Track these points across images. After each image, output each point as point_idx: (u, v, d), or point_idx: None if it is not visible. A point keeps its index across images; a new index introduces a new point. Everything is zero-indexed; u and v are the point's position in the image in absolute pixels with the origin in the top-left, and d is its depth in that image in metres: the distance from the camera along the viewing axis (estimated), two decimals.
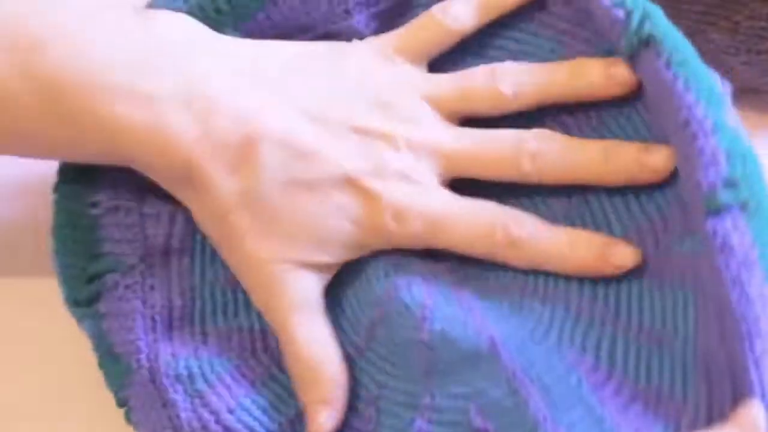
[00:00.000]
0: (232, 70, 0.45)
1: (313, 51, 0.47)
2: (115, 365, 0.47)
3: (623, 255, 0.44)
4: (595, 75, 0.45)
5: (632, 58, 0.44)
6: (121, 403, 0.47)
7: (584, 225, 0.45)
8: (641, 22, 0.43)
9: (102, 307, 0.47)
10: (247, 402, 0.46)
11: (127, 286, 0.48)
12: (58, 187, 0.49)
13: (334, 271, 0.46)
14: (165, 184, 0.46)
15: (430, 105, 0.46)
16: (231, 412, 0.45)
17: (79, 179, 0.48)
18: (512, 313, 0.44)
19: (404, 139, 0.45)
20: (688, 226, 0.42)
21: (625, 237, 0.44)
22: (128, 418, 0.47)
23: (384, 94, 0.46)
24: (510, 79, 0.46)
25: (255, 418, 0.45)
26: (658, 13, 0.44)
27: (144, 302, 0.48)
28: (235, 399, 0.46)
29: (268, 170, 0.44)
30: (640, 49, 0.43)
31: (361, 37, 0.49)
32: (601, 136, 0.46)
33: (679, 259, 0.42)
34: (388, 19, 0.49)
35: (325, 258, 0.45)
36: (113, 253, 0.48)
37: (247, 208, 0.44)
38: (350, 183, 0.45)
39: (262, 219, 0.44)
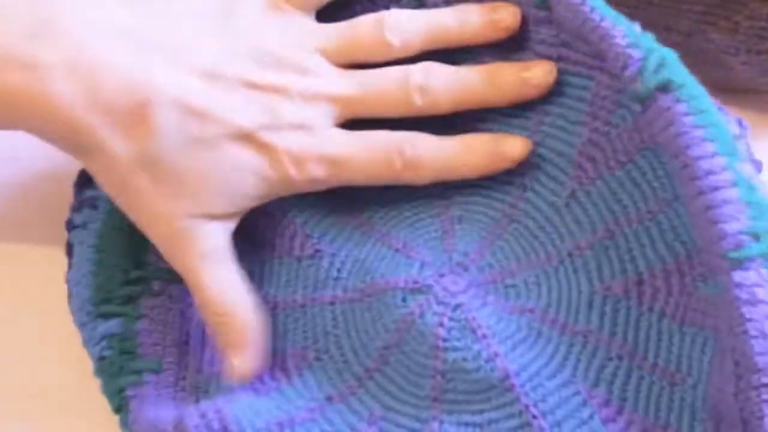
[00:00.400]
0: (119, 33, 0.45)
1: (202, 5, 0.47)
2: (129, 363, 0.47)
3: (513, 145, 0.47)
4: (478, 20, 0.47)
5: (647, 102, 0.43)
6: (122, 402, 0.47)
7: (609, 260, 0.45)
8: (659, 65, 0.43)
9: (141, 308, 0.48)
10: (245, 403, 0.46)
11: (171, 296, 0.49)
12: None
13: (239, 218, 0.47)
14: (64, 151, 0.46)
15: (320, 54, 0.47)
16: (229, 402, 0.45)
17: None
18: (529, 337, 0.45)
19: (296, 90, 0.46)
20: (710, 269, 0.42)
21: (651, 274, 0.44)
22: (124, 421, 0.47)
23: (274, 47, 0.46)
24: (396, 28, 0.47)
25: (249, 418, 0.45)
26: (675, 58, 0.43)
27: (182, 314, 0.49)
28: (237, 399, 0.46)
29: (163, 132, 0.44)
30: (656, 92, 0.43)
31: None
32: (629, 172, 0.45)
33: (701, 298, 0.43)
34: None
35: (230, 209, 0.46)
36: (158, 265, 0.49)
37: (146, 170, 0.45)
38: (247, 138, 0.45)
39: (162, 179, 0.45)
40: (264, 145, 0.45)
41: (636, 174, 0.45)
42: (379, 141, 0.47)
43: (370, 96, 0.47)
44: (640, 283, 0.44)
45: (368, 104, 0.47)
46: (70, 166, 0.50)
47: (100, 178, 0.46)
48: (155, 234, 0.46)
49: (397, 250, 0.47)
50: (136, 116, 0.44)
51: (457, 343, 0.44)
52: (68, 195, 0.52)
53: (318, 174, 0.46)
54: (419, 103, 0.47)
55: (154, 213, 0.46)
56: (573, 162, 0.46)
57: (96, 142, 0.44)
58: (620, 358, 0.44)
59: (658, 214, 0.44)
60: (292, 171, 0.46)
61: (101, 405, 0.48)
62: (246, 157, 0.45)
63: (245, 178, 0.46)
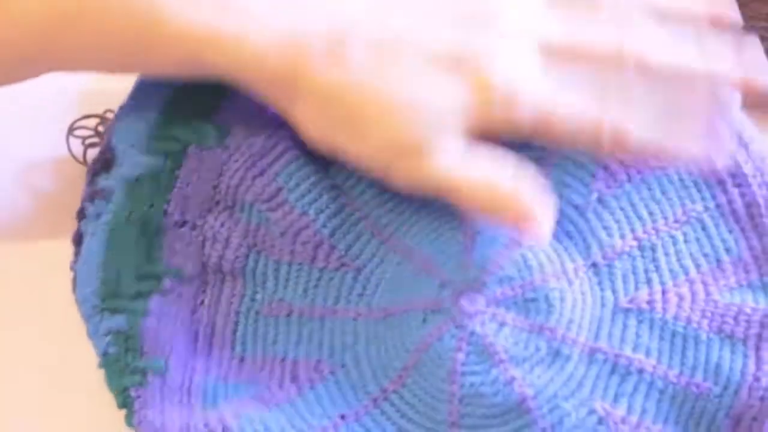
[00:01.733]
0: None
1: None
2: (134, 361, 0.47)
3: None
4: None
5: None
6: (126, 401, 0.47)
7: (635, 270, 0.45)
8: None
9: (150, 305, 0.48)
10: (255, 416, 0.46)
11: (181, 295, 0.48)
12: (130, 189, 0.49)
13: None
14: (261, 93, 0.45)
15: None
16: (236, 417, 0.45)
17: (154, 186, 0.49)
18: (547, 357, 0.44)
19: (505, 20, 0.44)
20: (744, 278, 0.44)
21: (675, 282, 0.44)
22: (129, 420, 0.47)
23: None
24: None
25: (256, 430, 0.45)
26: None
27: (193, 314, 0.48)
28: (245, 411, 0.46)
29: (357, 63, 0.43)
30: None
31: None
32: (658, 178, 0.46)
33: (730, 306, 0.44)
34: None
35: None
36: (170, 263, 0.48)
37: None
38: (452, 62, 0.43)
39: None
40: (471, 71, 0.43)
41: (664, 181, 0.45)
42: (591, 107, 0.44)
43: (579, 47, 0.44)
44: (664, 292, 0.45)
45: (575, 54, 0.44)
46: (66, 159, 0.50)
47: (309, 124, 0.45)
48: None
49: (420, 270, 0.47)
50: (335, 46, 0.43)
51: (475, 368, 0.44)
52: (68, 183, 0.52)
53: (523, 118, 0.44)
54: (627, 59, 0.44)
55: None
56: (599, 162, 0.46)
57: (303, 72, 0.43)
58: (641, 371, 0.44)
59: (684, 224, 0.45)
60: (498, 106, 0.43)
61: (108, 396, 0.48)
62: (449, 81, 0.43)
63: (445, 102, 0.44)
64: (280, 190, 0.47)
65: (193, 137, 0.49)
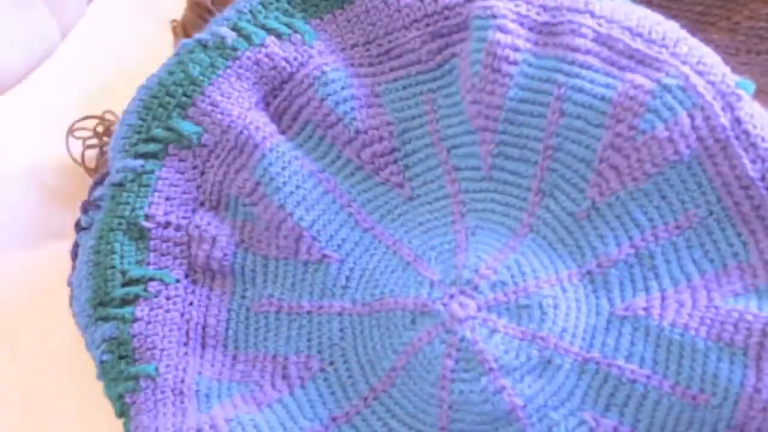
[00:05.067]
0: None
1: None
2: (127, 368, 0.47)
3: None
4: None
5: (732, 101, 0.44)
6: (122, 408, 0.47)
7: (632, 277, 0.44)
8: None
9: (138, 311, 0.47)
10: (246, 419, 0.45)
11: (168, 297, 0.48)
12: (112, 192, 0.49)
13: None
14: None
15: None
16: (227, 421, 0.45)
17: (135, 189, 0.48)
18: (539, 366, 0.44)
19: None
20: (752, 283, 0.43)
21: (676, 288, 0.44)
22: (126, 427, 0.47)
23: None
24: None
25: None
26: None
27: (182, 315, 0.48)
28: (236, 413, 0.46)
29: None
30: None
31: (417, 58, 0.48)
32: (656, 184, 0.44)
33: (731, 312, 0.43)
34: (443, 37, 0.48)
35: None
36: (157, 265, 0.48)
37: None
38: None
39: None
40: None
41: (664, 186, 0.44)
42: None
43: None
44: (664, 298, 0.44)
45: None
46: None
47: None
48: None
49: (408, 264, 0.46)
50: None
51: (464, 375, 0.43)
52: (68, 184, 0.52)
53: None
54: None
55: None
56: (592, 167, 0.45)
57: None
58: (634, 381, 0.43)
59: (686, 229, 0.44)
60: None
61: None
62: None
63: None
64: (258, 184, 0.47)
65: (171, 137, 0.48)
